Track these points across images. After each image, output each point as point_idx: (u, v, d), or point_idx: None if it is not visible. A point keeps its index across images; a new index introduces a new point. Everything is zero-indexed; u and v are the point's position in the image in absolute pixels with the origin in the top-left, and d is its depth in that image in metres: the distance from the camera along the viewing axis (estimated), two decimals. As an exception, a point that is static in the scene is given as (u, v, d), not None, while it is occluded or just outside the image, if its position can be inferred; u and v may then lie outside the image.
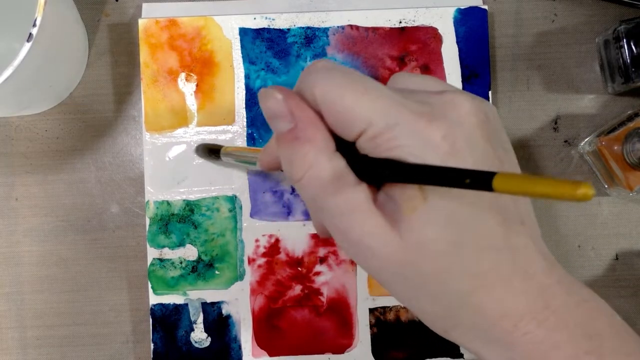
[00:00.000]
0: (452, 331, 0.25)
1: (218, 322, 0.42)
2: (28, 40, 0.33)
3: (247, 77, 0.42)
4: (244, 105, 0.42)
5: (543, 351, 0.23)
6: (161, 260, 0.41)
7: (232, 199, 0.42)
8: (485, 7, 0.42)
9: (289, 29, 0.42)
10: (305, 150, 0.24)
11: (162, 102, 0.42)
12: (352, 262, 0.42)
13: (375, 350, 0.42)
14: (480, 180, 0.20)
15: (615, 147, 0.39)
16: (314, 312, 0.42)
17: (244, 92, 0.42)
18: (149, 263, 0.41)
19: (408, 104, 0.23)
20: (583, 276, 0.43)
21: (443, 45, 0.42)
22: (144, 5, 0.43)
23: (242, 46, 0.42)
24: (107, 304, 0.43)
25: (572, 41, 0.43)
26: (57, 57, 0.38)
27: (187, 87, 0.42)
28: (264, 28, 0.42)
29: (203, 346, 0.42)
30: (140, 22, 0.42)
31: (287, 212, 0.42)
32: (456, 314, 0.24)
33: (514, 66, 0.43)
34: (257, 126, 0.42)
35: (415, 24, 0.42)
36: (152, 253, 0.41)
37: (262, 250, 0.42)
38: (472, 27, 0.42)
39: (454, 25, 0.42)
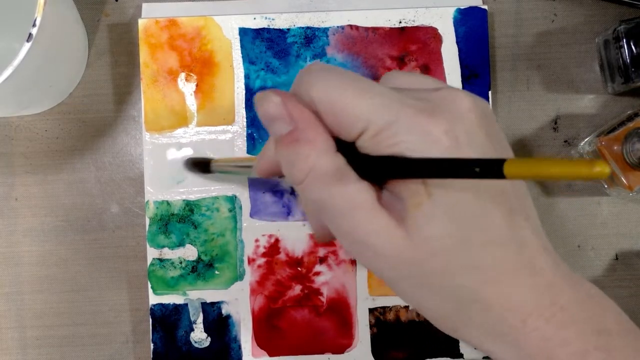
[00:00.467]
0: (461, 330, 0.25)
1: (218, 322, 0.42)
2: (28, 40, 0.33)
3: (247, 77, 0.42)
4: (243, 105, 0.42)
5: (552, 347, 0.23)
6: (161, 260, 0.41)
7: (232, 199, 0.42)
8: (485, 7, 0.42)
9: (288, 29, 0.42)
10: (307, 151, 0.24)
11: (162, 102, 0.42)
12: (352, 262, 0.42)
13: (375, 350, 0.42)
14: (491, 168, 0.20)
15: (615, 147, 0.39)
16: (314, 312, 0.42)
17: (244, 92, 0.42)
18: (148, 263, 0.41)
19: (406, 100, 0.23)
20: (583, 276, 0.43)
21: (443, 45, 0.42)
22: (144, 5, 0.43)
23: (242, 46, 0.42)
24: (107, 304, 0.43)
25: (572, 41, 0.43)
26: (57, 57, 0.38)
27: (187, 87, 0.42)
28: (263, 28, 0.42)
29: (203, 346, 0.42)
30: (140, 22, 0.42)
31: (287, 212, 0.42)
32: (464, 311, 0.24)
33: (514, 66, 0.43)
34: (257, 126, 0.42)
35: (415, 24, 0.42)
36: (152, 253, 0.41)
37: (262, 250, 0.42)
38: (472, 27, 0.42)
39: (454, 25, 0.42)
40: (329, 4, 0.43)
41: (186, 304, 0.42)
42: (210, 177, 0.41)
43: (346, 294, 0.42)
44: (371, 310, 0.42)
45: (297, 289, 0.42)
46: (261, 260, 0.42)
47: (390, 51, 0.42)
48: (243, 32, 0.42)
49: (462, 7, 0.42)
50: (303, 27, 0.42)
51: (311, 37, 0.42)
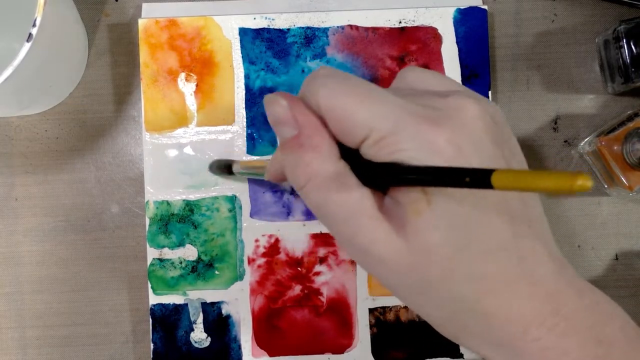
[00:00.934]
0: (462, 336, 0.25)
1: (218, 322, 0.42)
2: (28, 40, 0.33)
3: (247, 77, 0.42)
4: (243, 105, 0.42)
5: (552, 357, 0.23)
6: (161, 260, 0.41)
7: (232, 199, 0.42)
8: (485, 7, 0.42)
9: (288, 29, 0.42)
10: (309, 157, 0.24)
11: (162, 102, 0.42)
12: (352, 262, 0.42)
13: (375, 351, 0.42)
14: (479, 178, 0.20)
15: (615, 147, 0.39)
16: (314, 312, 0.42)
17: (244, 92, 0.42)
18: (148, 263, 0.41)
19: (411, 107, 0.23)
20: (583, 276, 0.43)
21: (443, 45, 0.42)
22: (144, 5, 0.43)
23: (242, 46, 0.42)
24: (106, 304, 0.43)
25: (572, 41, 0.43)
26: (57, 57, 0.38)
27: (187, 87, 0.42)
28: (263, 28, 0.42)
29: (203, 346, 0.42)
30: (140, 22, 0.42)
31: (287, 212, 0.42)
32: (464, 319, 0.24)
33: (514, 66, 0.43)
34: (257, 126, 0.42)
35: (415, 24, 0.42)
36: (151, 253, 0.41)
37: (262, 250, 0.42)
38: (472, 27, 0.42)
39: (454, 25, 0.42)
40: (329, 4, 0.43)
41: (186, 304, 0.42)
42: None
43: (346, 294, 0.42)
44: (371, 310, 0.42)
45: (297, 289, 0.42)
46: (261, 260, 0.42)
47: (390, 51, 0.42)
48: (243, 32, 0.42)
49: (462, 7, 0.42)
50: (303, 27, 0.42)
51: (311, 37, 0.42)
